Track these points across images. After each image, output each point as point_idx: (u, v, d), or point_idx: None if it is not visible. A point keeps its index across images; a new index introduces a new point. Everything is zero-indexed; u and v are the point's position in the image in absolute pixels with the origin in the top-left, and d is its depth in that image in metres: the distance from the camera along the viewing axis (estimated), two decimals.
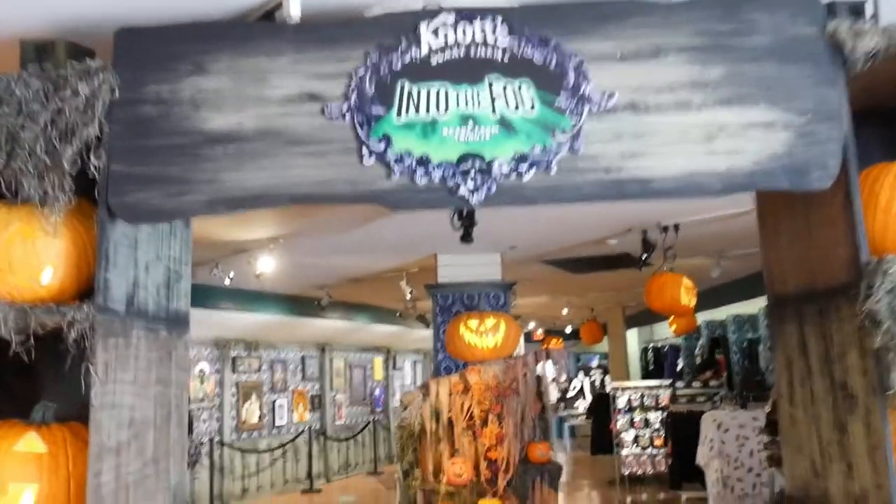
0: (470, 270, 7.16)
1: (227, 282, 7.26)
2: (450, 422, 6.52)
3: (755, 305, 12.10)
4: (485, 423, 6.49)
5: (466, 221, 4.85)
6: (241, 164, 2.03)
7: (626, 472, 9.53)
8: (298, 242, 6.75)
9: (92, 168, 2.01)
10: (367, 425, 14.37)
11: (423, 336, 15.47)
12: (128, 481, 2.08)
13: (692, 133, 2.02)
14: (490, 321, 6.50)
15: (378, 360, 15.46)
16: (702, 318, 13.41)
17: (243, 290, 9.83)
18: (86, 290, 2.11)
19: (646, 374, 16.62)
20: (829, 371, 2.20)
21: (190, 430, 8.09)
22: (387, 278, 8.86)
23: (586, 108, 1.99)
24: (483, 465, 6.40)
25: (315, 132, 2.04)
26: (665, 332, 17.65)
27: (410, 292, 8.37)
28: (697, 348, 14.84)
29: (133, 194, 2.04)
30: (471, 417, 6.48)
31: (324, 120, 2.05)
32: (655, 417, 9.61)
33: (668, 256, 6.19)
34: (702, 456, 7.40)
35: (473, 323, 6.45)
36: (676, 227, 6.19)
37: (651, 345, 18.18)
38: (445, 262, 7.19)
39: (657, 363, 17.33)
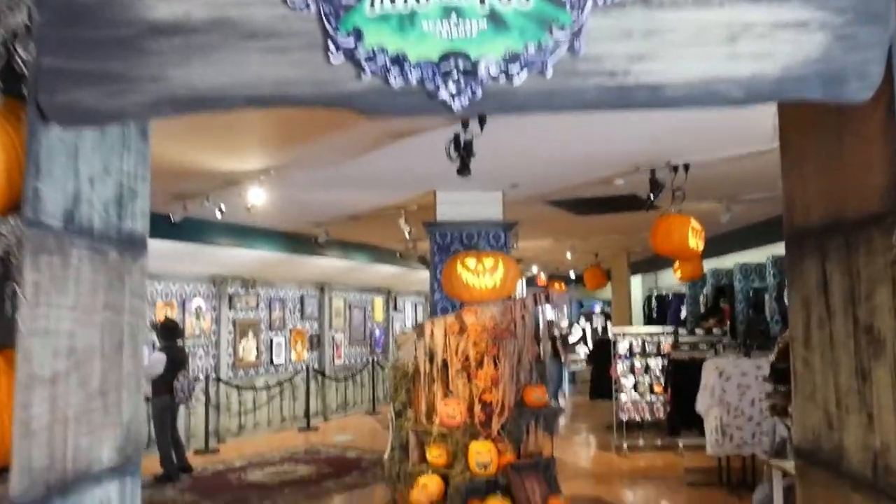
0: (470, 209, 6.92)
1: (218, 215, 7.03)
2: (444, 363, 6.37)
3: (763, 254, 11.87)
4: (480, 364, 6.34)
5: (464, 152, 4.58)
6: (189, 60, 1.76)
7: (625, 418, 9.44)
8: (291, 175, 6.50)
9: (19, 62, 1.74)
10: (366, 365, 14.34)
11: (423, 277, 15.30)
12: (66, 414, 1.87)
13: (712, 32, 1.73)
14: (489, 261, 6.28)
15: (378, 301, 15.35)
16: (708, 266, 13.20)
17: (239, 225, 9.62)
18: (18, 202, 1.86)
19: (648, 322, 16.50)
20: (853, 312, 1.96)
21: (184, 367, 7.93)
22: (385, 216, 8.62)
23: (590, 1, 1.70)
24: (477, 407, 6.27)
25: (275, 24, 1.76)
26: (669, 280, 17.48)
27: (409, 231, 8.15)
28: (702, 297, 14.68)
29: (66, 93, 1.77)
30: (466, 359, 6.32)
31: (285, 10, 1.77)
32: (656, 364, 9.48)
33: (676, 197, 5.92)
34: (701, 403, 7.27)
35: (471, 262, 6.24)
36: (686, 166, 5.90)
37: (655, 292, 18.03)
38: (445, 200, 6.94)
39: (660, 311, 17.21)
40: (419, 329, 6.36)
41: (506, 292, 6.42)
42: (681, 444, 9.35)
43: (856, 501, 2.14)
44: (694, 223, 5.79)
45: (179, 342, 8.73)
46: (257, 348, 11.69)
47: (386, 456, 6.78)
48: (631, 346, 9.62)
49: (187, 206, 7.31)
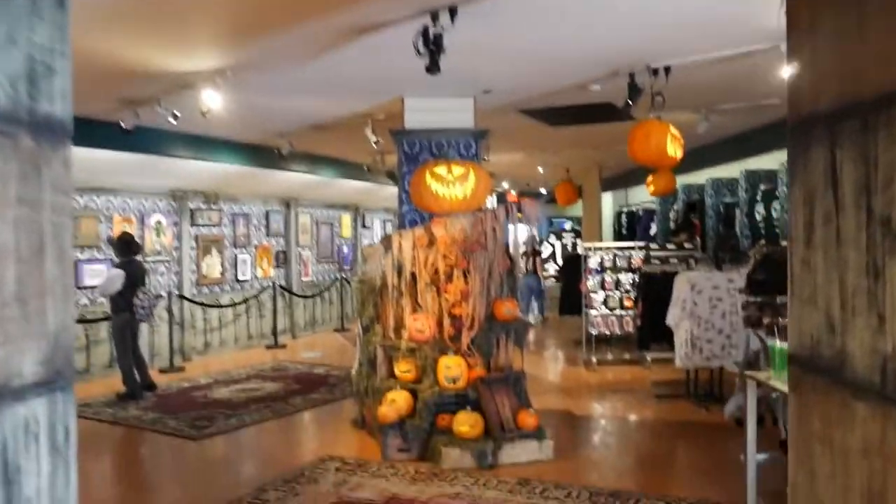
0: (439, 116, 6.58)
1: (172, 121, 6.60)
2: (413, 276, 6.18)
3: (735, 169, 11.74)
4: (450, 278, 6.16)
5: (433, 46, 4.22)
6: None
7: (594, 333, 9.42)
8: (249, 78, 6.07)
9: None
10: (334, 282, 14.16)
11: (392, 194, 14.94)
12: None
13: None
14: (458, 170, 6.01)
15: (346, 218, 15.06)
16: (680, 181, 13.06)
17: (199, 135, 9.17)
18: None
19: (619, 238, 16.47)
20: (867, 203, 1.72)
21: (143, 283, 7.60)
22: (352, 126, 8.24)
23: None
24: (446, 321, 6.12)
25: None
26: (640, 197, 17.37)
27: (376, 142, 7.79)
28: (672, 212, 14.62)
29: None
30: (435, 272, 6.13)
31: None
32: (627, 279, 9.42)
33: (655, 104, 5.65)
34: (672, 317, 7.21)
35: (441, 171, 5.96)
36: (667, 69, 5.60)
37: (625, 209, 17.96)
38: (413, 107, 6.58)
39: (630, 227, 17.17)
40: (386, 241, 6.13)
41: (476, 204, 6.19)
42: (649, 358, 9.40)
43: (858, 409, 2.02)
44: (673, 130, 5.54)
45: (138, 258, 8.39)
46: (222, 265, 11.40)
47: (353, 371, 6.66)
48: (602, 261, 9.52)
49: (139, 113, 6.85)
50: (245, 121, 8.33)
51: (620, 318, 9.50)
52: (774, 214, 10.40)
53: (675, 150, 5.55)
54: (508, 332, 6.20)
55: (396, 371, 6.15)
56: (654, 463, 5.81)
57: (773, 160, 10.93)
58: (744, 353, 5.15)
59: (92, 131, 7.60)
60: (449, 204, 6.04)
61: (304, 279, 13.45)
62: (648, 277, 7.82)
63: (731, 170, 11.98)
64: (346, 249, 14.96)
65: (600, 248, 9.69)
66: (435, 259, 6.12)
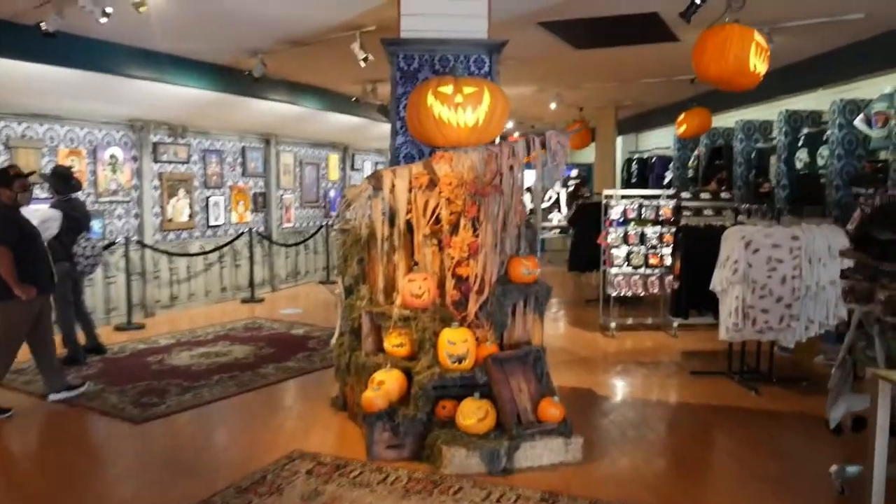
0: (445, 22, 5.18)
1: (102, 20, 5.18)
2: (408, 226, 4.87)
3: (769, 111, 10.38)
4: (455, 229, 4.86)
5: None
6: None
7: (613, 294, 8.18)
8: None
9: None
10: (319, 229, 12.84)
11: (384, 132, 13.57)
12: None
13: None
14: (469, 88, 4.67)
15: (333, 158, 13.64)
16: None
17: (158, 53, 7.73)
18: None
19: (627, 187, 15.13)
20: None
21: (86, 227, 6.24)
22: (336, 42, 6.82)
23: None
24: (450, 283, 4.85)
25: None
26: (653, 142, 15.98)
27: (365, 58, 6.37)
28: (693, 159, 13.26)
29: None
30: (437, 221, 4.83)
31: None
32: (654, 233, 8.13)
33: (733, 4, 4.27)
34: (719, 280, 5.96)
35: (447, 89, 4.62)
36: None
37: (636, 155, 16.59)
38: (412, 9, 5.16)
39: (641, 175, 15.80)
40: (375, 180, 4.80)
41: (491, 134, 4.86)
42: (675, 324, 8.20)
43: None
44: (758, 36, 4.19)
45: (78, 196, 7.04)
46: (190, 208, 10.05)
47: (334, 341, 5.40)
48: (625, 211, 8.21)
49: (62, 10, 5.41)
50: (209, 34, 6.89)
51: (646, 277, 8.25)
52: (820, 161, 9.09)
53: (759, 64, 4.20)
54: (527, 298, 4.94)
55: (386, 344, 4.90)
56: (708, 467, 4.62)
57: (819, 100, 9.57)
58: (848, 339, 3.90)
59: (17, 36, 6.18)
60: (456, 133, 4.70)
61: (285, 225, 12.12)
62: (689, 232, 6.52)
63: (764, 111, 10.61)
64: (333, 193, 13.60)
65: (624, 197, 8.37)
66: (437, 204, 4.81)
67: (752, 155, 11.03)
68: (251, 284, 10.82)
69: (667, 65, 8.42)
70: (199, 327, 8.65)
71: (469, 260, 4.89)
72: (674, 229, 8.20)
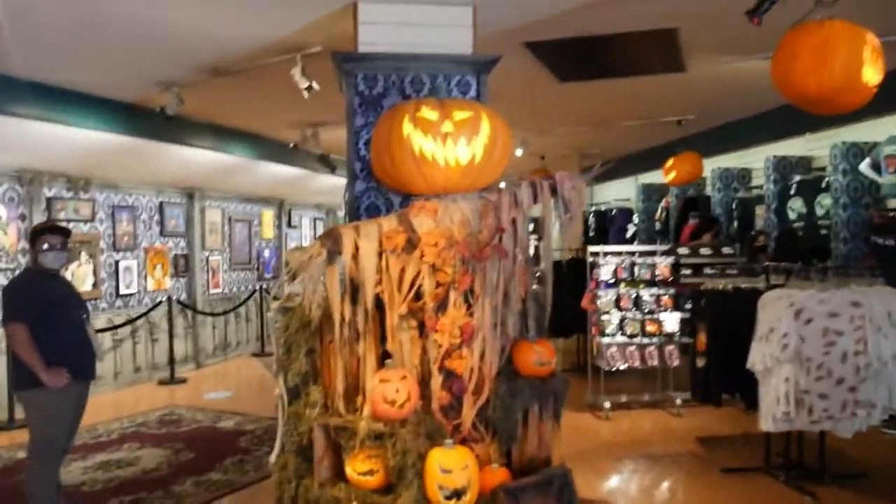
0: (417, 33, 3.92)
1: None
2: (378, 303, 3.51)
3: (748, 157, 9.53)
4: (442, 306, 3.53)
5: None
6: None
7: (605, 367, 6.93)
8: None
9: None
10: (252, 294, 11.28)
11: (327, 186, 12.25)
12: None
13: None
14: (462, 113, 3.39)
15: (268, 214, 12.16)
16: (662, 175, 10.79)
17: (46, 86, 6.27)
18: None
19: (585, 242, 14.09)
20: None
21: None
22: (270, 71, 5.50)
23: None
24: (436, 381, 3.49)
25: None
26: (611, 194, 15.06)
27: (309, 87, 5.05)
28: (659, 211, 12.34)
29: None
30: (417, 297, 3.49)
31: None
32: (651, 295, 6.96)
33: None
34: (760, 358, 4.78)
35: (431, 114, 3.33)
36: None
37: (592, 207, 15.66)
38: (373, 17, 3.91)
39: (600, 229, 14.88)
40: (331, 240, 3.43)
41: (489, 177, 3.60)
42: (678, 401, 6.99)
43: None
44: (871, 38, 3.08)
45: None
46: (95, 275, 8.42)
47: (273, 459, 3.91)
48: (616, 270, 7.02)
49: None
50: (108, 61, 5.49)
51: (643, 347, 7.04)
52: (819, 211, 8.17)
53: (873, 75, 3.08)
54: (543, 400, 3.60)
55: (349, 471, 3.45)
56: None
57: (806, 145, 8.73)
58: None
59: None
60: (443, 175, 3.40)
61: (212, 291, 10.52)
62: (716, 298, 5.34)
63: (743, 158, 9.75)
64: (267, 254, 12.09)
65: (613, 253, 7.19)
66: (417, 273, 3.47)
67: (734, 205, 10.14)
68: (171, 362, 9.17)
69: (655, 103, 7.40)
70: (101, 423, 6.98)
71: (462, 348, 3.55)
72: (672, 291, 7.08)
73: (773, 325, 4.74)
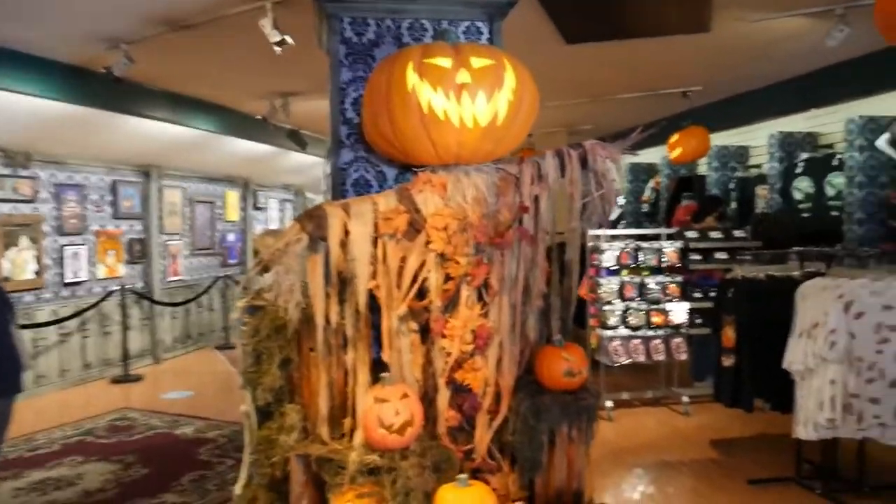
0: None
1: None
2: (373, 301, 2.79)
3: (754, 133, 8.94)
4: (451, 304, 2.83)
5: None
6: None
7: (607, 362, 6.31)
8: None
9: None
10: (215, 281, 10.45)
11: (297, 164, 11.44)
12: None
13: None
14: (481, 61, 2.67)
15: (232, 195, 11.30)
16: (657, 152, 10.18)
17: None
18: None
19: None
20: None
21: None
22: (234, 24, 4.71)
23: None
24: (443, 397, 2.81)
25: None
26: None
27: (281, 41, 4.27)
28: (647, 192, 11.74)
29: None
30: (421, 294, 2.78)
31: None
32: (657, 283, 6.35)
33: None
34: (801, 357, 4.18)
35: (443, 61, 2.60)
36: None
37: None
38: None
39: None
40: (314, 222, 2.69)
41: (512, 141, 2.90)
42: (684, 398, 6.41)
43: None
44: None
45: None
46: (38, 261, 7.54)
47: (237, 490, 3.17)
48: (619, 256, 6.38)
49: None
50: (42, 6, 4.65)
51: (648, 341, 6.43)
52: (830, 191, 7.62)
53: None
54: (574, 419, 2.93)
55: None
56: None
57: (811, 121, 8.18)
58: None
59: None
60: (457, 138, 2.68)
61: (171, 279, 9.68)
62: (746, 287, 4.70)
63: (733, 137, 9.16)
64: (232, 237, 11.25)
65: (616, 237, 6.56)
66: (422, 264, 2.76)
67: (730, 185, 9.57)
68: (125, 358, 8.34)
69: (662, 72, 6.75)
70: (42, 430, 6.17)
71: (475, 356, 2.86)
72: (679, 278, 6.48)
73: (817, 320, 4.13)
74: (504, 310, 2.94)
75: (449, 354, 2.82)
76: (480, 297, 2.91)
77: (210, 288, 10.26)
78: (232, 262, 11.15)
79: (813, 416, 4.19)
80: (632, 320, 6.39)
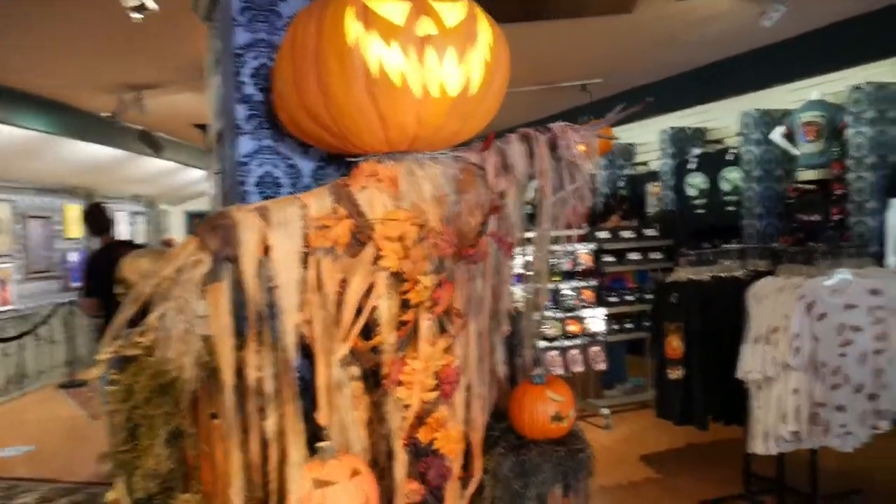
0: None
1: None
2: (303, 346, 2.00)
3: (640, 129, 8.78)
4: (406, 339, 2.09)
5: None
6: None
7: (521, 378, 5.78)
8: None
9: None
10: (57, 309, 8.99)
11: (149, 172, 10.15)
12: None
13: None
14: (450, 8, 1.95)
15: (72, 209, 9.83)
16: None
17: None
18: None
19: None
20: None
21: None
22: None
23: None
24: (401, 464, 2.07)
25: None
26: None
27: (140, 5, 3.32)
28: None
29: None
30: (367, 333, 2.03)
31: None
32: (571, 290, 5.88)
33: None
34: (759, 364, 3.77)
35: (396, 6, 1.86)
36: None
37: None
38: None
39: None
40: (218, 235, 1.87)
41: (483, 117, 2.20)
42: (604, 410, 5.98)
43: None
44: None
45: None
46: None
47: None
48: (527, 261, 5.85)
49: None
50: None
51: (565, 352, 5.93)
52: (725, 186, 7.50)
53: None
54: (567, 479, 2.27)
55: None
56: None
57: (701, 116, 8.11)
58: None
59: None
60: (416, 112, 1.94)
61: (1, 309, 8.19)
62: (693, 290, 4.25)
63: (623, 133, 8.98)
64: (75, 257, 9.79)
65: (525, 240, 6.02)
66: (369, 287, 2.00)
67: (622, 184, 9.38)
68: None
69: (562, 60, 6.30)
70: None
71: (442, 403, 2.15)
72: (594, 282, 6.05)
73: (777, 324, 3.73)
74: (471, 341, 2.25)
75: (407, 407, 2.08)
76: (442, 327, 2.20)
77: (50, 317, 8.80)
78: (75, 284, 9.69)
79: (774, 429, 3.79)
80: (547, 331, 5.88)
